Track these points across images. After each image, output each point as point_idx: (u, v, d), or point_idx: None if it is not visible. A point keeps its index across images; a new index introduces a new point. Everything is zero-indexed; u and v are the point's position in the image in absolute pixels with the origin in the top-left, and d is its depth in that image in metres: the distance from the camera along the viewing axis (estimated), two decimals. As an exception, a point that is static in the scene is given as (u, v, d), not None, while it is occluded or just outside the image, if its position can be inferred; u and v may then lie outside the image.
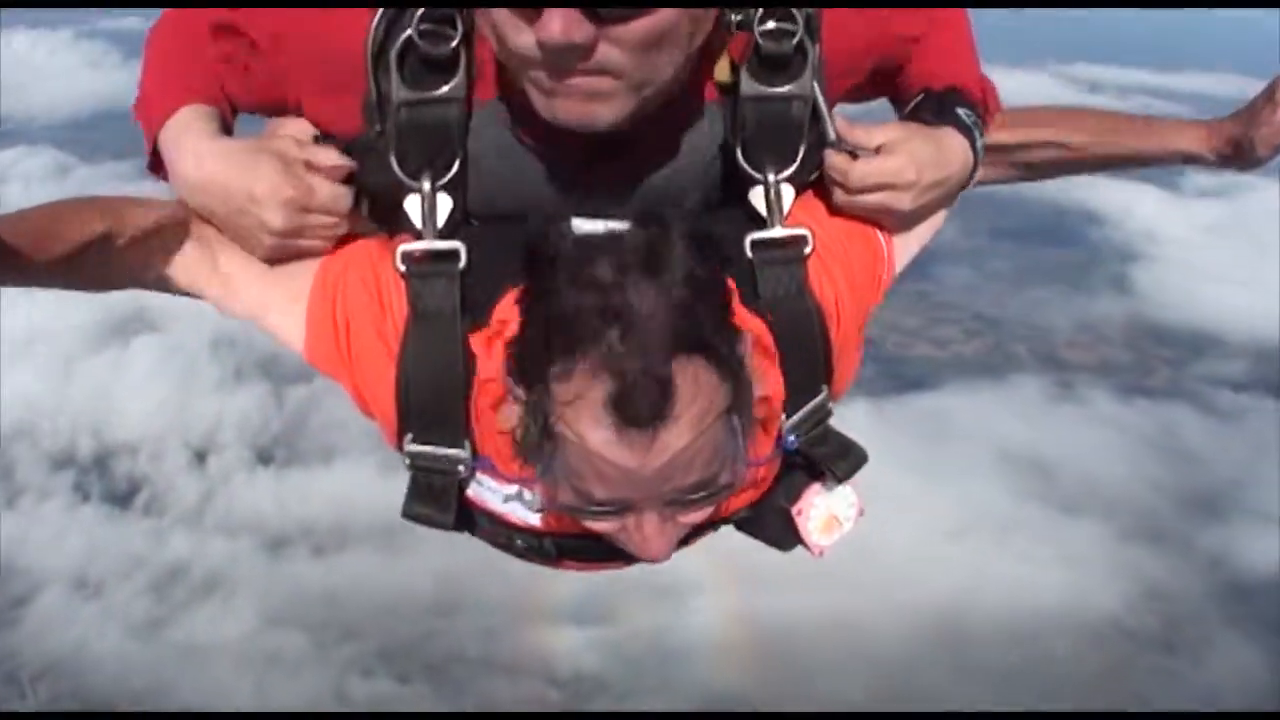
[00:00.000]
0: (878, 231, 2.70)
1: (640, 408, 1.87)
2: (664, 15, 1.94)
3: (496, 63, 2.25)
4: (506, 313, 2.21)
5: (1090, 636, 31.75)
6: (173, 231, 2.40)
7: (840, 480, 2.65)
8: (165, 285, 2.44)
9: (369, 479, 33.64)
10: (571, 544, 2.59)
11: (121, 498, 35.06)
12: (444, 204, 2.33)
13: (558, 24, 1.86)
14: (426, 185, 2.30)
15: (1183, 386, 48.78)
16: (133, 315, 39.59)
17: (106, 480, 35.66)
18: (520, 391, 2.08)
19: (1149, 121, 3.20)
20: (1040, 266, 59.47)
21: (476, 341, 2.33)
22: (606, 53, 1.97)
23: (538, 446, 2.05)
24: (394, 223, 2.44)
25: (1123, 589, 33.95)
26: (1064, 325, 53.34)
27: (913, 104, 2.79)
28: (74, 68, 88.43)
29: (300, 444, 37.58)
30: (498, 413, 2.29)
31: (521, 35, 1.97)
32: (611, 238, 2.01)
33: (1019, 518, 36.79)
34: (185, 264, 2.40)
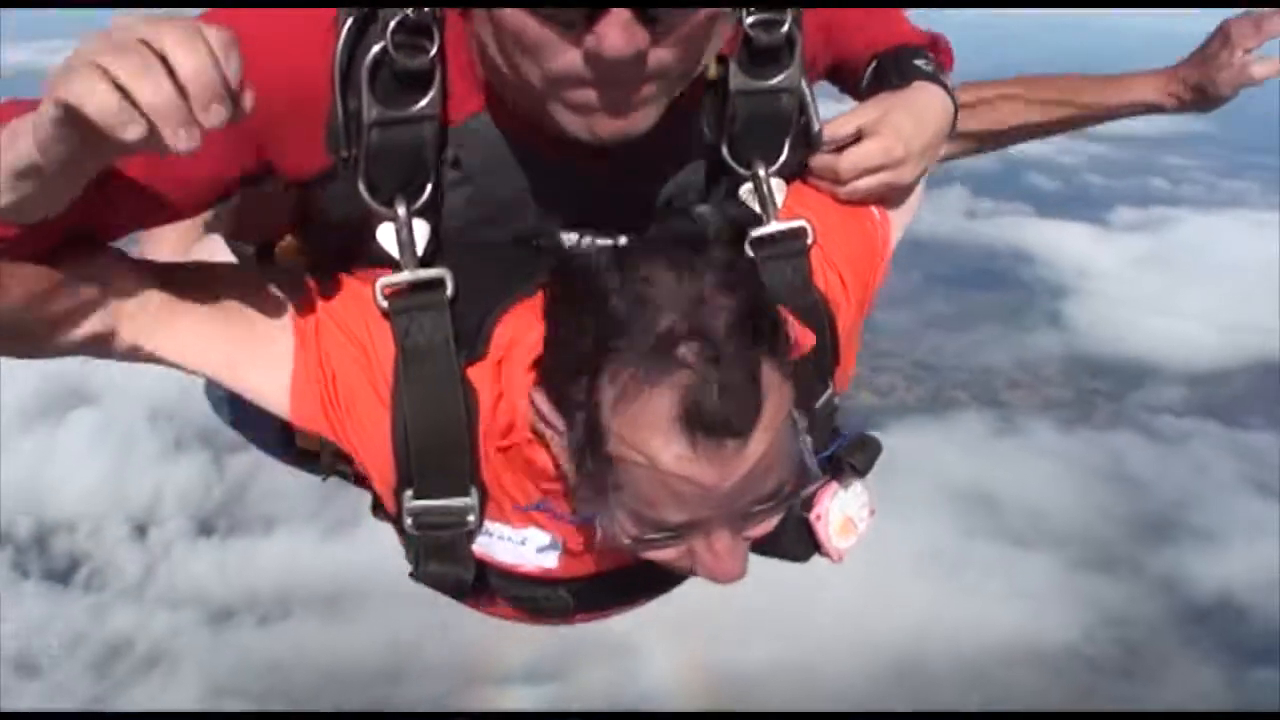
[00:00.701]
0: (871, 208, 2.58)
1: (720, 418, 1.72)
2: (713, 8, 1.80)
3: (479, 75, 2.06)
4: (509, 334, 2.09)
5: (1050, 668, 31.73)
6: (128, 281, 2.05)
7: (861, 474, 2.53)
8: (109, 341, 2.05)
9: (312, 547, 33.17)
10: (589, 588, 2.41)
11: (61, 574, 34.37)
12: (421, 231, 2.09)
13: (619, 36, 1.66)
14: (401, 211, 2.05)
15: (1124, 415, 49.51)
16: (68, 389, 39.06)
17: (46, 557, 35.01)
18: (559, 420, 1.92)
19: (1108, 77, 3.09)
20: (976, 308, 60.04)
21: (476, 374, 2.13)
22: (660, 56, 1.78)
23: (590, 479, 1.88)
24: (357, 259, 2.21)
25: (1079, 618, 34.03)
26: (1003, 364, 53.85)
27: (869, 76, 2.65)
28: None
29: (242, 513, 37.12)
30: (514, 453, 2.12)
31: (565, 54, 1.75)
32: (644, 241, 1.91)
33: (970, 554, 36.85)
34: (136, 315, 2.02)
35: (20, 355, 1.98)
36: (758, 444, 1.77)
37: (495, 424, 2.11)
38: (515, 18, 1.70)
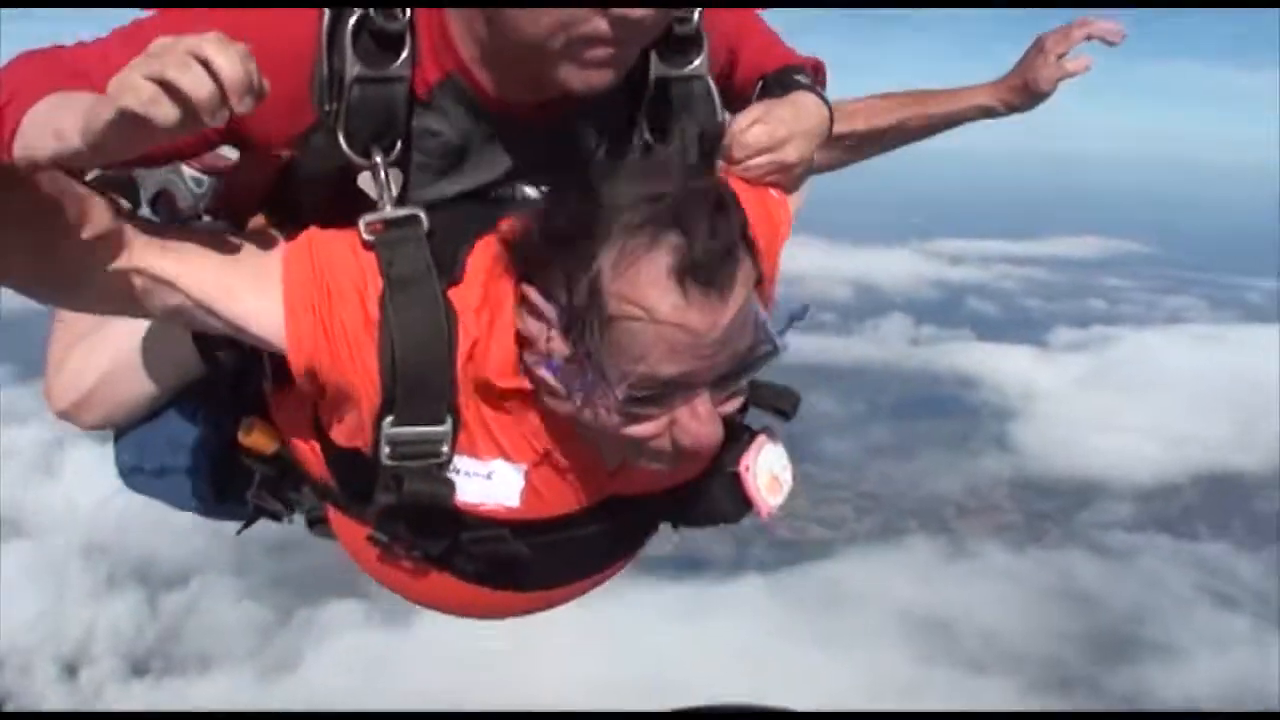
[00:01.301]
0: (768, 189, 2.67)
1: (709, 272, 1.96)
2: None
3: (451, 39, 2.29)
4: (483, 261, 2.24)
5: (1012, 796, 31.15)
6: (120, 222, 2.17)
7: (788, 417, 2.67)
8: (124, 270, 2.17)
9: (248, 685, 32.65)
10: (545, 544, 2.49)
11: (-14, 713, 33.18)
12: (396, 177, 2.33)
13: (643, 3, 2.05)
14: (379, 159, 2.29)
15: (1074, 533, 49.63)
16: (2, 521, 38.70)
17: (-30, 694, 34.17)
18: (549, 307, 2.08)
19: (950, 89, 3.38)
20: (922, 435, 60.46)
21: (455, 296, 2.24)
22: (655, 19, 2.14)
23: (586, 347, 2.02)
24: (330, 217, 2.35)
25: (1037, 743, 33.71)
26: (951, 489, 54.06)
27: (757, 91, 2.84)
28: None
29: (176, 652, 36.55)
30: (509, 398, 2.28)
31: (593, 19, 2.07)
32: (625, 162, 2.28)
33: (925, 680, 36.48)
34: (132, 244, 2.16)
35: (47, 289, 2.23)
36: (737, 297, 2.00)
37: (472, 350, 2.23)
38: None
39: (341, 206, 2.35)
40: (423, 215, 2.27)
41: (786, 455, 2.64)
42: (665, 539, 2.87)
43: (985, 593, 42.41)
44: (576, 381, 2.10)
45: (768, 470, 2.61)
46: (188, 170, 3.23)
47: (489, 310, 2.23)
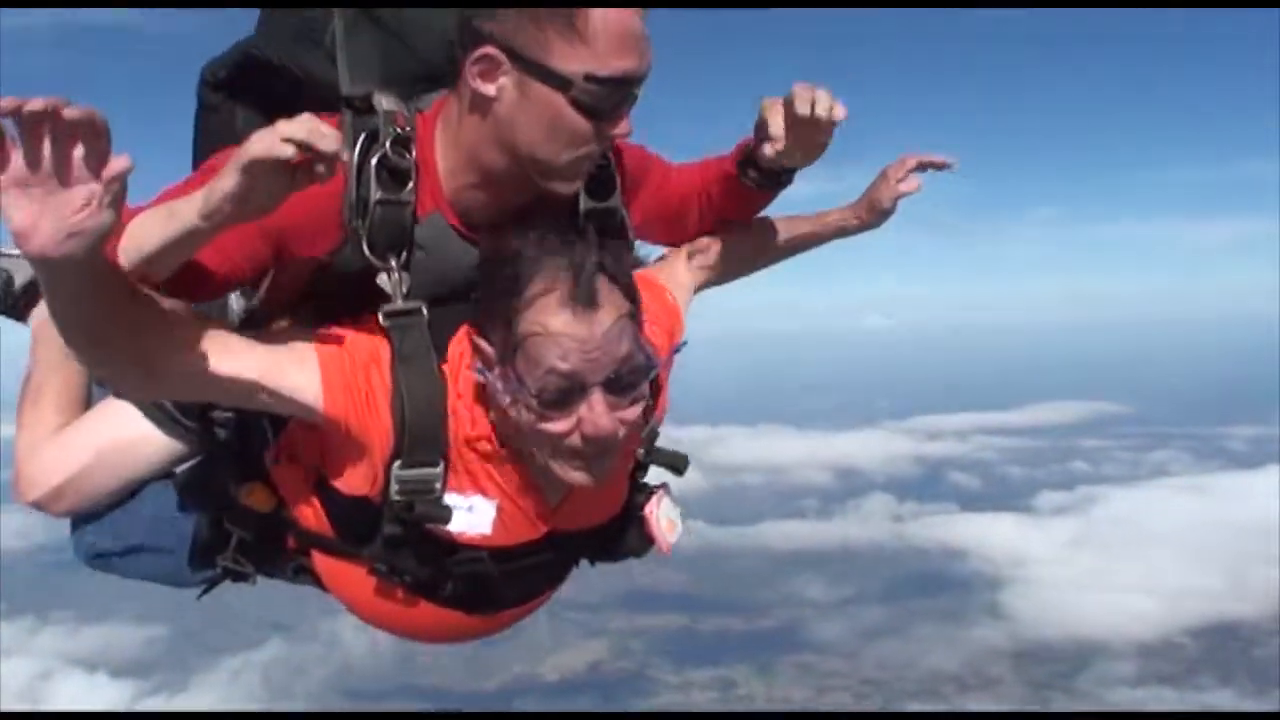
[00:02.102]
0: (665, 290, 3.38)
1: (584, 295, 2.61)
2: None
3: (438, 181, 2.91)
4: (459, 346, 2.88)
5: None
6: (194, 325, 2.76)
7: (680, 473, 3.26)
8: (191, 367, 2.71)
9: None
10: (509, 562, 3.06)
11: None
12: (405, 279, 2.88)
13: (626, 125, 2.79)
14: (393, 263, 2.85)
15: (1078, 695, 48.71)
16: None
17: None
18: (487, 346, 2.73)
19: (816, 214, 3.85)
20: (914, 611, 60.03)
21: (445, 369, 2.88)
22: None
23: (509, 363, 2.66)
24: (355, 305, 2.93)
25: None
26: (950, 664, 53.39)
27: (743, 175, 3.40)
28: None
29: None
30: (485, 449, 2.88)
31: (593, 142, 2.78)
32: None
33: None
34: (203, 344, 2.71)
35: (135, 377, 2.68)
36: (607, 315, 2.63)
37: (457, 412, 2.86)
38: (575, 119, 2.73)
39: (362, 300, 2.89)
40: (424, 308, 2.86)
41: (678, 507, 3.27)
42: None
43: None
44: (507, 392, 2.69)
45: (665, 516, 3.22)
46: None
47: (464, 381, 2.84)
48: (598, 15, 2.63)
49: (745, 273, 3.83)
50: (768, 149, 3.21)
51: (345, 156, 2.58)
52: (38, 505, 3.55)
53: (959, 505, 79.38)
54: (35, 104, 1.98)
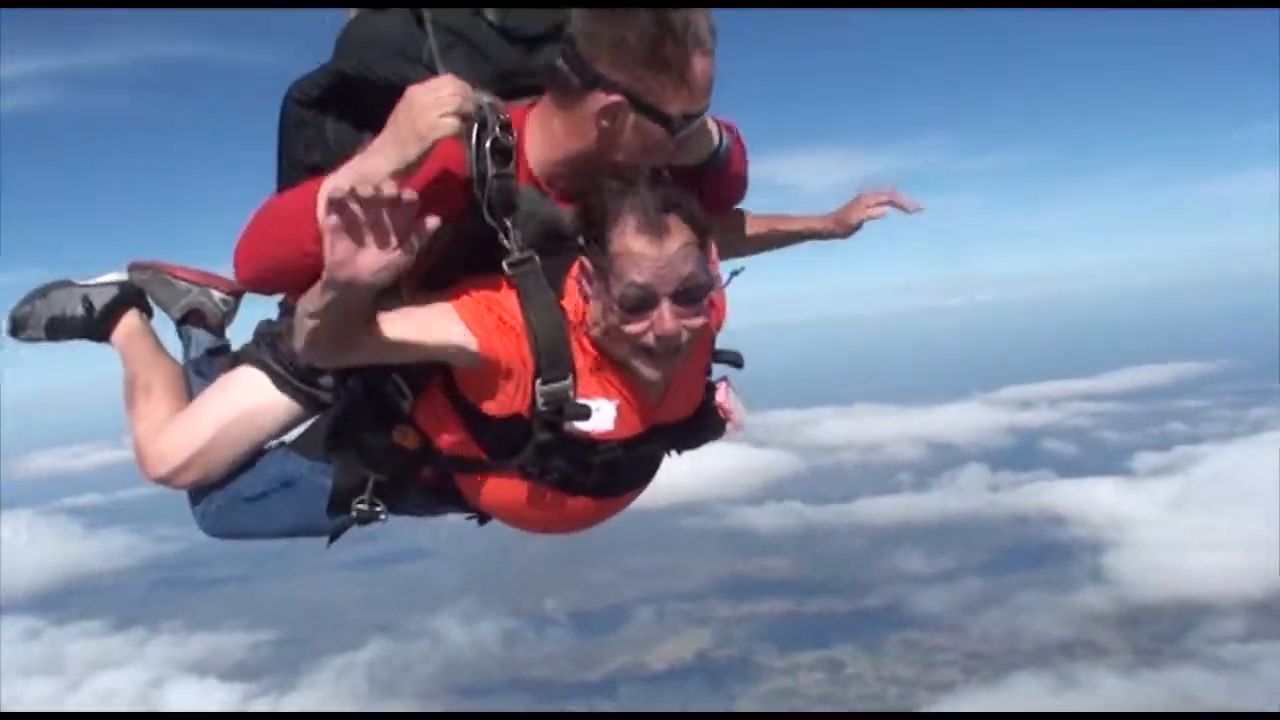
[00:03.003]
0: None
1: (657, 224, 3.21)
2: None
3: (525, 161, 3.47)
4: (571, 279, 3.42)
5: None
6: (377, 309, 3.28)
7: (739, 366, 3.90)
8: (375, 343, 3.31)
9: None
10: (629, 448, 3.62)
11: None
12: (517, 236, 3.39)
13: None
14: (508, 223, 3.37)
15: (1185, 654, 48.07)
16: None
17: None
18: (590, 265, 3.30)
19: (796, 216, 4.57)
20: (1016, 579, 59.50)
21: (564, 302, 3.43)
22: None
23: (601, 277, 3.24)
24: (474, 268, 3.46)
25: None
26: (1054, 629, 52.91)
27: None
28: (38, 541, 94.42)
29: None
30: (601, 361, 3.45)
31: (668, 140, 3.38)
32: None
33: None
34: (385, 326, 3.29)
35: (348, 355, 3.28)
36: (675, 241, 3.21)
37: (576, 332, 3.42)
38: (653, 130, 3.32)
39: (479, 263, 3.41)
40: (535, 257, 3.39)
41: (739, 396, 3.86)
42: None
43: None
44: (600, 300, 3.29)
45: (732, 400, 3.83)
46: (216, 293, 4.63)
47: (577, 308, 3.40)
48: (698, 68, 3.26)
49: (733, 255, 4.33)
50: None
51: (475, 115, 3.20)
52: (165, 480, 4.09)
53: (1055, 472, 78.37)
54: (385, 193, 2.80)
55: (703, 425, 3.83)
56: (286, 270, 3.28)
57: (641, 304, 3.25)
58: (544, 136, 3.45)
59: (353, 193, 2.79)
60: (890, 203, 4.27)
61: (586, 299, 3.37)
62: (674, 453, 3.90)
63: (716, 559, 66.35)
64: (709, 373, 3.86)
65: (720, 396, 3.83)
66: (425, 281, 3.48)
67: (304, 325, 3.15)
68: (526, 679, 54.72)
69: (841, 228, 4.34)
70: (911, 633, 55.10)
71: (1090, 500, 68.02)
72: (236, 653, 62.05)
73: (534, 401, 3.43)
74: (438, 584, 66.23)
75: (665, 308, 3.25)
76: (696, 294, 3.30)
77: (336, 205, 2.82)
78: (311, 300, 3.08)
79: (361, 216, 2.83)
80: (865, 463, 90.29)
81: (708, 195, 3.82)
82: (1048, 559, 62.06)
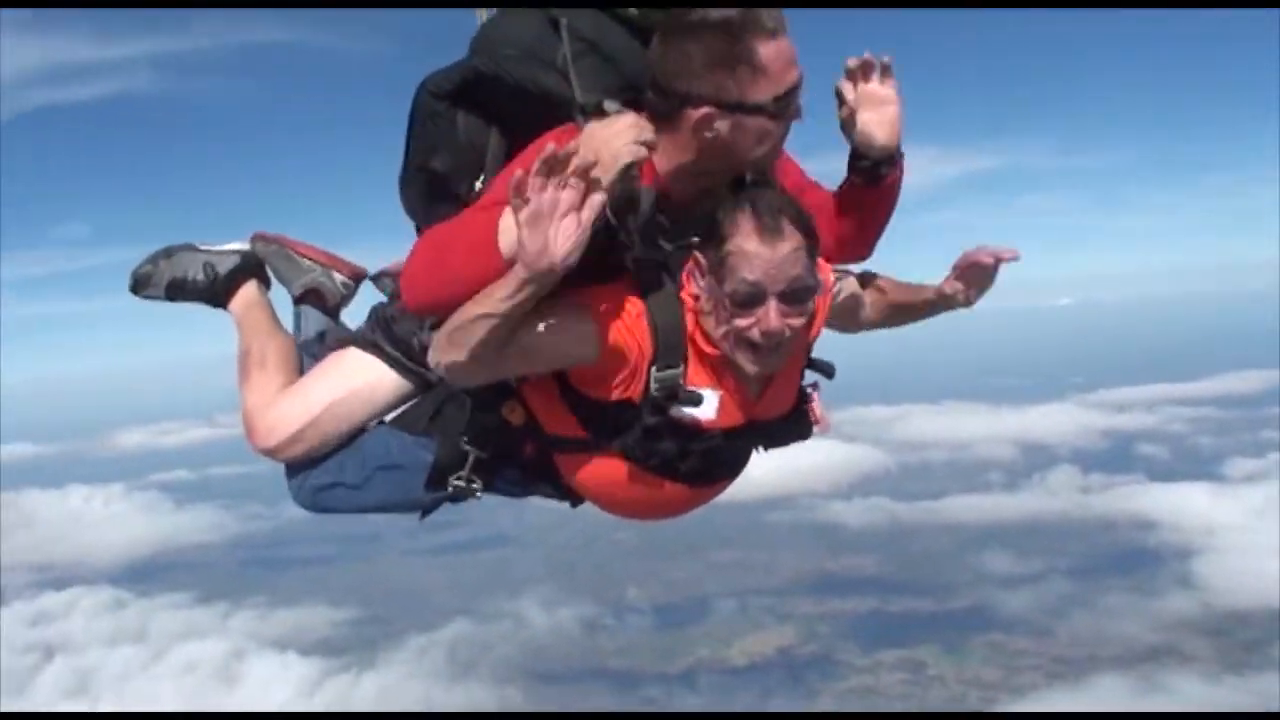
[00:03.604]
0: (828, 268, 3.94)
1: (771, 227, 3.33)
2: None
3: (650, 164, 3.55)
4: (688, 275, 3.55)
5: None
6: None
7: (830, 376, 4.02)
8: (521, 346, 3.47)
9: None
10: (726, 440, 3.75)
11: None
12: (638, 234, 3.56)
13: (796, 113, 3.47)
14: (630, 224, 3.54)
15: (1273, 659, 47.38)
16: None
17: None
18: (703, 261, 3.46)
19: (924, 286, 4.37)
20: (1104, 583, 59.15)
21: (682, 294, 3.59)
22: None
23: (715, 275, 3.39)
24: (603, 253, 3.49)
25: None
26: (1139, 633, 52.66)
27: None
28: (128, 514, 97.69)
29: None
30: (713, 358, 3.59)
31: (774, 136, 3.46)
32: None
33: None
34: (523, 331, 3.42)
35: (497, 365, 3.46)
36: (786, 244, 3.34)
37: (690, 324, 3.58)
38: (768, 126, 3.42)
39: (609, 253, 3.51)
40: (657, 252, 3.60)
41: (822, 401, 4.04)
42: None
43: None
44: (711, 294, 3.44)
45: (819, 405, 3.98)
46: (338, 276, 4.77)
47: (692, 302, 3.56)
48: (769, 50, 3.32)
49: (870, 327, 4.58)
50: (844, 114, 3.84)
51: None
52: (272, 452, 4.22)
53: (1147, 476, 77.48)
54: (547, 153, 3.00)
55: (793, 426, 3.96)
56: (467, 297, 3.36)
57: (750, 300, 3.38)
58: (660, 151, 3.50)
59: (546, 162, 3.02)
60: (995, 257, 4.11)
61: (696, 297, 3.52)
62: (762, 449, 4.00)
63: (802, 554, 66.29)
64: (802, 377, 3.96)
65: (813, 402, 3.98)
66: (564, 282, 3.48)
67: (473, 332, 3.32)
68: (606, 668, 54.97)
69: (963, 296, 4.24)
70: (996, 635, 54.81)
71: (1181, 505, 67.26)
72: (319, 629, 63.01)
73: (647, 386, 3.58)
74: (521, 570, 66.54)
75: (772, 305, 3.39)
76: (803, 295, 3.45)
77: (522, 187, 3.07)
78: (490, 302, 3.27)
79: (546, 203, 3.07)
80: (954, 461, 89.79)
81: (850, 214, 4.02)
82: (1136, 563, 61.50)
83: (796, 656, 54.68)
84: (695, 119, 3.39)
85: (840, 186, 4.03)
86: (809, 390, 3.97)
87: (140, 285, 4.72)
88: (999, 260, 4.11)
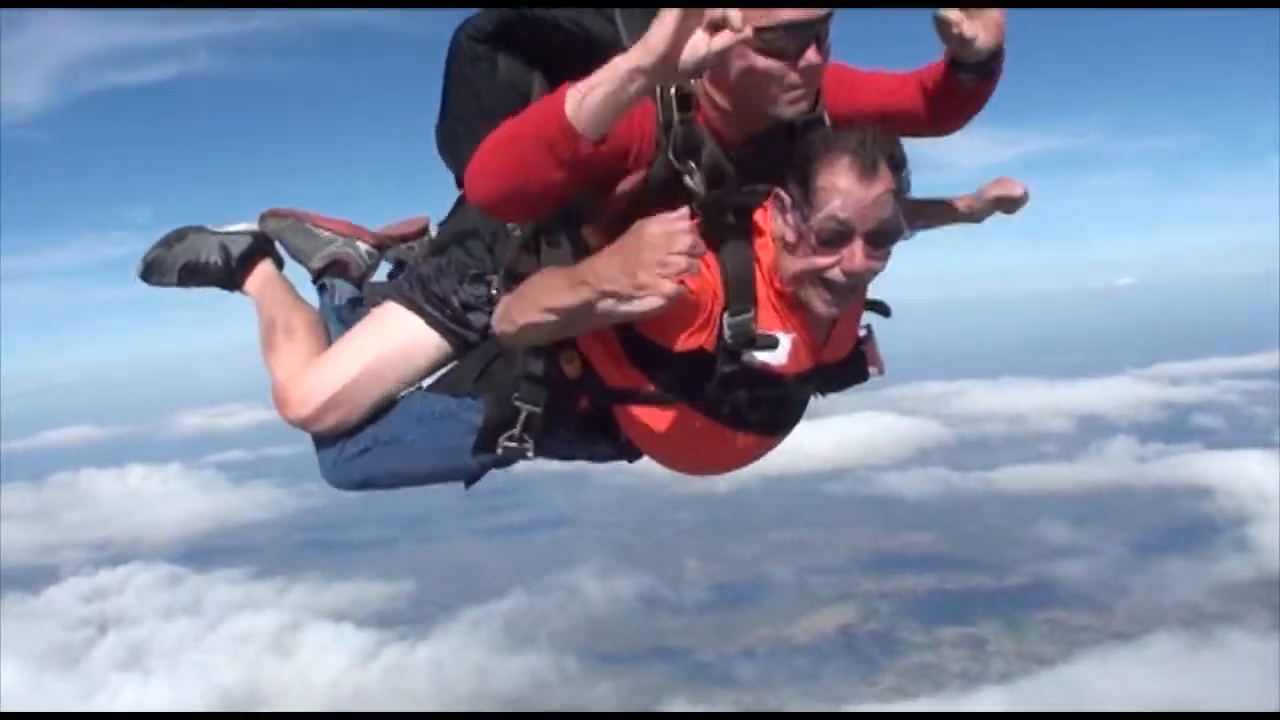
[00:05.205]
0: None
1: (868, 166, 3.26)
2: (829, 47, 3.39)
3: (702, 107, 3.52)
4: (759, 216, 3.51)
5: None
6: None
7: (887, 315, 3.95)
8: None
9: None
10: (788, 385, 3.66)
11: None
12: (700, 177, 3.52)
13: (814, 55, 3.29)
14: (693, 165, 3.50)
15: None
16: None
17: None
18: (788, 195, 3.38)
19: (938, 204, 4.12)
20: (1162, 549, 59.29)
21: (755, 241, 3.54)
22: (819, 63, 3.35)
23: (805, 207, 3.30)
24: (667, 199, 3.44)
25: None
26: (1193, 594, 52.79)
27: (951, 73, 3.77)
28: (186, 493, 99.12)
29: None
30: (787, 298, 3.49)
31: (790, 72, 3.29)
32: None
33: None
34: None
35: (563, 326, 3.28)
36: (880, 184, 3.27)
37: (760, 266, 3.49)
38: (766, 63, 3.28)
39: (674, 197, 3.44)
40: (721, 195, 3.53)
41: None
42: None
43: (1233, 676, 40.84)
44: (794, 230, 3.34)
45: (876, 347, 3.92)
46: (362, 245, 4.63)
47: (761, 245, 3.48)
48: None
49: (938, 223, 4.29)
50: (952, 17, 3.49)
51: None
52: (305, 422, 4.08)
53: (1204, 445, 77.29)
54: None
55: (851, 370, 3.88)
56: (530, 189, 3.18)
57: (837, 238, 3.30)
58: (702, 93, 3.48)
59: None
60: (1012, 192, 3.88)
61: (773, 236, 3.44)
62: (820, 394, 3.92)
63: (861, 530, 66.35)
64: (860, 320, 3.90)
65: (872, 345, 3.92)
66: (615, 229, 3.37)
67: (544, 302, 3.21)
68: (665, 646, 54.99)
69: (979, 216, 4.04)
70: (1056, 611, 54.75)
71: (1237, 473, 66.97)
72: (375, 602, 63.42)
73: (721, 333, 3.47)
74: (579, 549, 66.45)
75: (858, 245, 3.30)
76: (890, 238, 3.37)
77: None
78: (560, 298, 3.13)
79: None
80: (1011, 433, 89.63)
81: (948, 104, 3.77)
82: (1193, 530, 61.45)
83: (857, 634, 54.60)
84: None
85: (942, 75, 3.69)
86: (865, 332, 3.92)
87: (151, 271, 4.55)
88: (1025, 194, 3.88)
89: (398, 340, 3.96)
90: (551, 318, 3.16)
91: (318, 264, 4.58)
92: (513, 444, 3.78)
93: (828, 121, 3.64)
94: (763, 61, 3.27)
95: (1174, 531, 61.58)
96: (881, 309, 3.92)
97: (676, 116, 3.45)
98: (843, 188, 3.26)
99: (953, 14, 3.41)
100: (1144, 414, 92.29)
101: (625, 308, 2.95)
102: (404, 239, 4.63)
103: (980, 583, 58.82)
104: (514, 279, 3.61)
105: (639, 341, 3.50)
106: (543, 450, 3.86)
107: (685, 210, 2.93)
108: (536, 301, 3.19)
